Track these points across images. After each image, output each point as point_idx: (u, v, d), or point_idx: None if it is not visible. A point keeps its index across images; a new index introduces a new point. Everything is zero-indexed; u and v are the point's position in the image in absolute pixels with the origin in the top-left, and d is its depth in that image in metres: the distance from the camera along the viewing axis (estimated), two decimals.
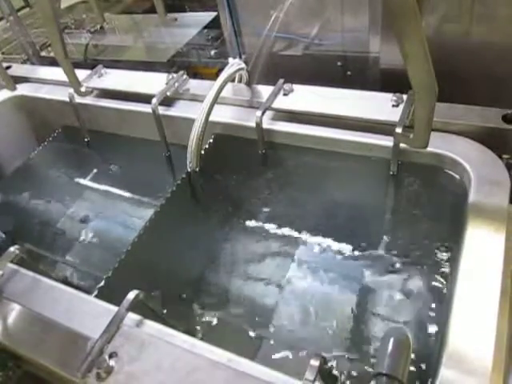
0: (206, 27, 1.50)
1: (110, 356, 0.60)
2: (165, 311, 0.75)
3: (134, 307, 0.65)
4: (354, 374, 0.79)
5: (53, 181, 1.33)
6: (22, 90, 1.29)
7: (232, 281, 1.01)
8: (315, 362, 0.51)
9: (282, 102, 0.96)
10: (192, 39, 1.49)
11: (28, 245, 1.15)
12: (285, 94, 0.98)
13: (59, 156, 1.31)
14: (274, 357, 0.85)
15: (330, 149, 0.92)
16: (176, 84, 1.08)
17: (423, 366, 0.72)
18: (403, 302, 0.88)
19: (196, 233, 1.04)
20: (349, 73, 1.12)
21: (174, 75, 1.09)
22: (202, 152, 0.98)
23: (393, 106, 0.87)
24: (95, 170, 1.35)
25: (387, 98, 0.88)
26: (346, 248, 1.00)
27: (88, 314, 0.67)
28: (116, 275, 0.80)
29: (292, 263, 1.01)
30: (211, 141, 1.03)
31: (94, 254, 1.16)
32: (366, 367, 0.79)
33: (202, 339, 0.71)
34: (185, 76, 1.10)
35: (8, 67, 1.36)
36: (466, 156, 0.79)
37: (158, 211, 0.91)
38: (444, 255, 0.87)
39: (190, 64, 1.45)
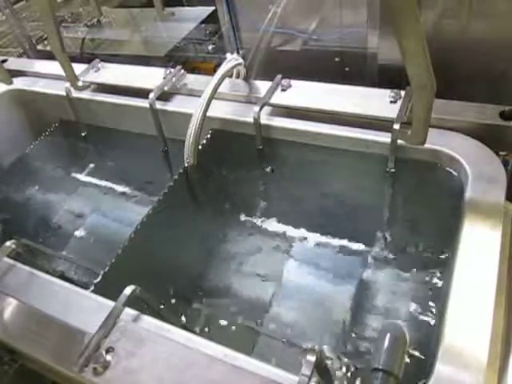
0: (203, 22, 1.49)
1: (107, 351, 0.60)
2: (161, 306, 0.75)
3: (131, 302, 0.65)
4: (351, 368, 0.79)
5: (49, 175, 1.32)
6: (19, 83, 1.28)
7: (229, 275, 1.01)
8: (311, 357, 0.51)
9: (279, 98, 0.96)
10: (189, 34, 1.48)
11: (24, 239, 1.15)
12: (283, 90, 0.97)
13: (56, 150, 1.30)
14: (270, 352, 0.85)
15: (327, 145, 0.92)
16: (173, 79, 1.07)
17: (419, 361, 0.73)
18: (399, 297, 0.88)
19: (193, 228, 1.04)
20: (347, 69, 1.12)
21: (172, 70, 1.09)
22: (200, 147, 0.98)
23: (391, 102, 0.87)
24: (92, 165, 1.35)
25: (385, 94, 0.88)
26: (343, 243, 1.01)
27: (85, 309, 0.67)
28: (113, 270, 0.80)
29: (289, 257, 1.01)
30: (209, 136, 1.03)
31: (91, 248, 1.16)
32: (362, 362, 0.79)
33: (198, 334, 0.71)
34: (182, 71, 1.09)
35: (4, 61, 1.35)
36: (463, 152, 0.79)
37: (155, 206, 0.91)
38: (440, 251, 0.87)
39: (187, 59, 1.44)
